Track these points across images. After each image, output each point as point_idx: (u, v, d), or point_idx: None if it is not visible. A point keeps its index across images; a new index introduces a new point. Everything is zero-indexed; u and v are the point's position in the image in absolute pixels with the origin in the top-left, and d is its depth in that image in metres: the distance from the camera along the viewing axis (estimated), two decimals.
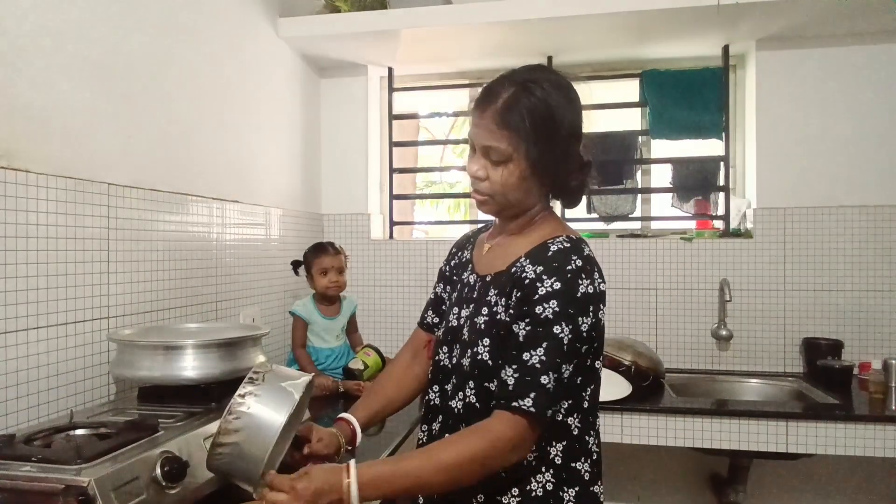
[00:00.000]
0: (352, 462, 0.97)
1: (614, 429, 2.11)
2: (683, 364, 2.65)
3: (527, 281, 1.04)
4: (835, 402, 2.13)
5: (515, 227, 1.15)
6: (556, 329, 0.99)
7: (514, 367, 1.00)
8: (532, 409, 0.97)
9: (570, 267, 1.03)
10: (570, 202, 1.19)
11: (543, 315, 1.00)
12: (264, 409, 0.98)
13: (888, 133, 2.51)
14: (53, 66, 1.43)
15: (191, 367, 1.37)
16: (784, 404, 2.27)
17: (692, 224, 2.84)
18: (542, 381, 0.97)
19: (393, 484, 0.96)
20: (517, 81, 1.07)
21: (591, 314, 1.03)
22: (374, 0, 2.52)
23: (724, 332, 2.58)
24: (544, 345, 0.99)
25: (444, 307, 1.27)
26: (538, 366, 0.98)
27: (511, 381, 0.99)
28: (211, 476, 1.17)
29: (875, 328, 2.52)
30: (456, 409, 1.11)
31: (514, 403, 0.97)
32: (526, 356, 0.99)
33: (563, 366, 0.99)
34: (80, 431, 1.20)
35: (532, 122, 1.04)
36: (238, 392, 1.00)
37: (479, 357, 1.06)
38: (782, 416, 2.02)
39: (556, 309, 1.00)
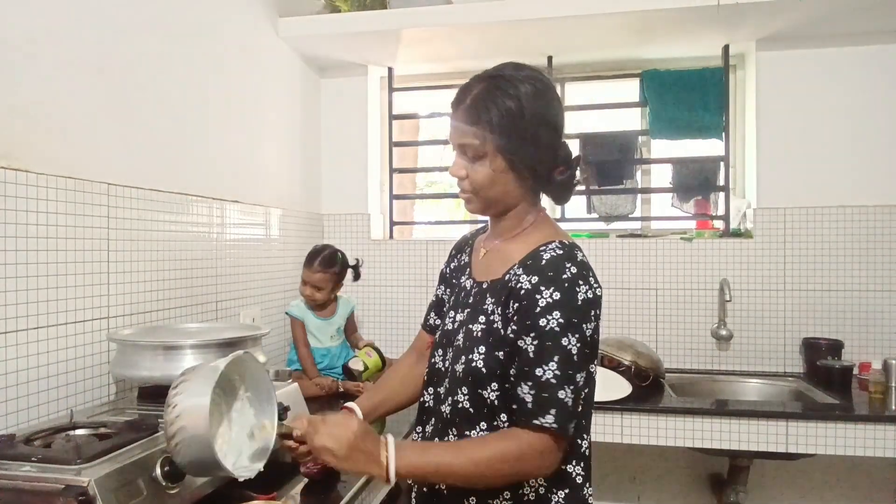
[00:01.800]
0: (389, 437, 1.01)
1: (614, 429, 2.11)
2: (683, 364, 2.65)
3: (523, 292, 1.04)
4: (835, 402, 2.14)
5: (508, 228, 1.15)
6: (564, 341, 0.99)
7: (530, 384, 0.99)
8: (555, 426, 0.97)
9: (565, 275, 1.02)
10: (559, 198, 1.18)
11: (549, 328, 1.00)
12: (194, 388, 1.00)
13: (888, 133, 2.51)
14: (53, 66, 1.43)
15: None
16: (784, 404, 2.27)
17: (692, 224, 2.84)
18: (560, 396, 0.98)
19: (422, 466, 1.00)
20: (486, 77, 1.09)
21: (592, 319, 1.03)
22: (374, 0, 2.52)
23: (724, 332, 2.58)
24: (556, 358, 0.99)
25: (444, 309, 1.27)
26: (553, 381, 0.98)
27: (529, 399, 0.99)
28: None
29: (875, 328, 2.52)
30: (445, 414, 1.11)
31: (536, 421, 0.97)
32: (539, 371, 0.99)
33: (577, 376, 1.00)
34: (80, 431, 1.20)
35: (499, 115, 1.04)
36: (171, 386, 1.02)
37: (474, 364, 1.06)
38: (782, 416, 2.02)
39: (561, 320, 1.00)
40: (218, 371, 1.01)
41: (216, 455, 0.97)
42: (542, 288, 1.02)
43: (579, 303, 1.01)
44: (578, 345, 1.00)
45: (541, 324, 1.00)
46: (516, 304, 1.04)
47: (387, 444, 0.99)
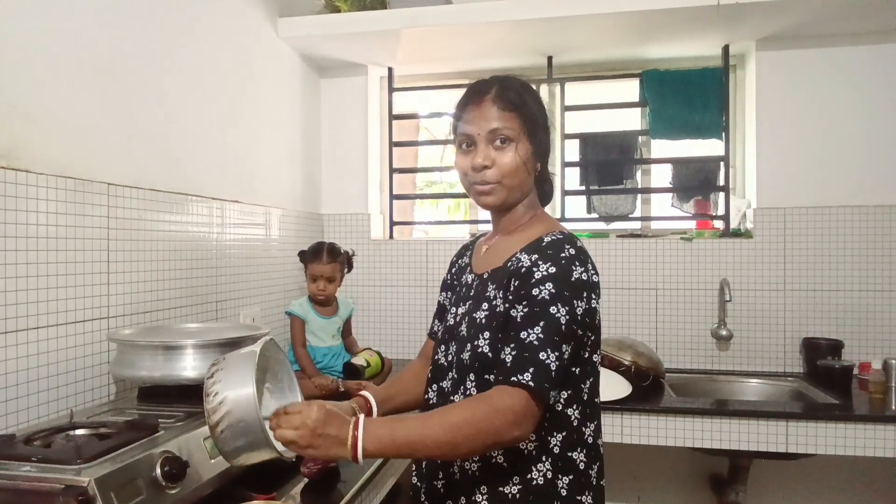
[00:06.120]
0: (361, 416, 0.98)
1: (614, 429, 2.11)
2: (683, 364, 2.65)
3: (523, 269, 1.07)
4: (835, 402, 2.13)
5: (510, 223, 1.18)
6: (553, 309, 1.01)
7: (513, 345, 1.01)
8: (531, 383, 0.97)
9: (563, 254, 1.06)
10: (545, 196, 1.24)
11: (540, 297, 1.02)
12: (233, 373, 1.00)
13: (888, 133, 2.51)
14: (53, 67, 1.43)
15: (191, 367, 1.37)
16: (784, 404, 2.26)
17: (692, 224, 2.84)
18: (541, 357, 0.98)
19: (389, 443, 0.96)
20: (501, 77, 1.16)
21: (584, 299, 1.04)
22: (374, 0, 2.52)
23: (724, 332, 2.58)
24: (541, 324, 1.00)
25: (445, 313, 1.28)
26: (536, 343, 0.99)
27: (509, 359, 1.00)
28: (211, 476, 1.17)
29: (875, 328, 2.51)
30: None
31: (513, 378, 0.98)
32: (524, 335, 1.01)
33: (563, 346, 1.00)
34: (80, 431, 1.20)
35: (532, 103, 1.13)
36: (206, 376, 1.02)
37: (480, 350, 1.08)
38: (782, 416, 2.01)
39: (553, 291, 1.02)
40: (256, 354, 1.02)
41: (268, 434, 0.96)
42: (540, 262, 1.06)
43: (573, 279, 1.04)
44: (567, 317, 1.01)
45: (533, 293, 1.03)
46: (516, 282, 1.07)
47: (357, 424, 0.95)
